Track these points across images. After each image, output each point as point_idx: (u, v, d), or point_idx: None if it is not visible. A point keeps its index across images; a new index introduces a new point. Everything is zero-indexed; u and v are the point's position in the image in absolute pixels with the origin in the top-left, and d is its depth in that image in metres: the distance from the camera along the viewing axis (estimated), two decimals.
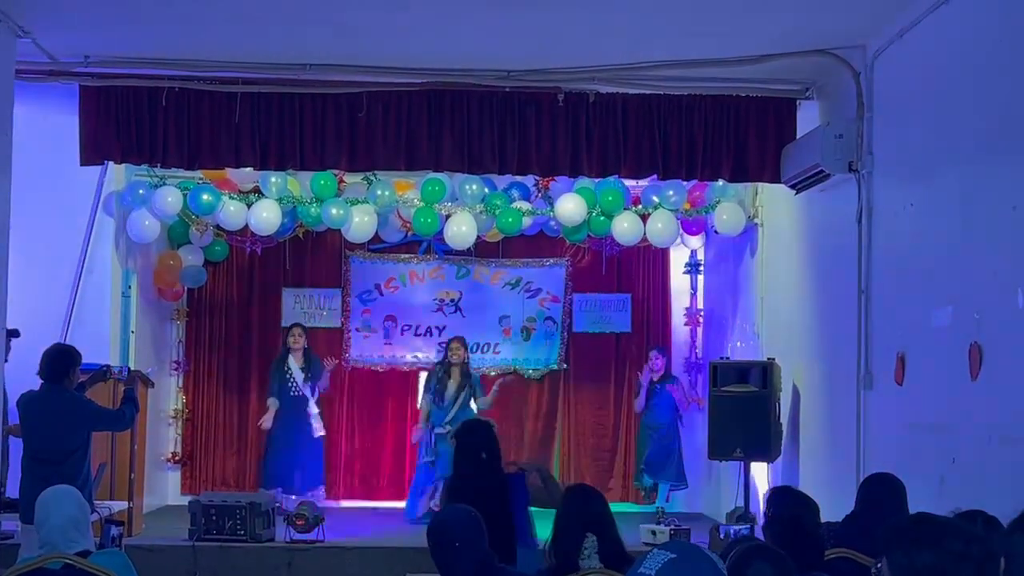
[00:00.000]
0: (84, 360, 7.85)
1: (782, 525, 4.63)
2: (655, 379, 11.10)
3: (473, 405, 10.67)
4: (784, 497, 5.02)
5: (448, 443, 10.44)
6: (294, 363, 10.90)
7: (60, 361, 7.35)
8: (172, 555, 8.93)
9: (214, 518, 9.02)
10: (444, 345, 11.19)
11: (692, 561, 2.52)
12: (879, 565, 2.82)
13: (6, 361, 8.15)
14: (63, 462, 7.09)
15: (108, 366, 8.33)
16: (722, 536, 8.51)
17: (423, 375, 11.43)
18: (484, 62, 8.69)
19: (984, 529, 3.99)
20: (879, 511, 5.44)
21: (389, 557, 9.04)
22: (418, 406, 11.27)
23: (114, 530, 7.63)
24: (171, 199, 10.41)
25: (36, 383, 7.45)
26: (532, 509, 6.79)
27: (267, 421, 10.87)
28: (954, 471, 6.32)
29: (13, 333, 8.29)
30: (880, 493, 5.61)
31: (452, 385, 10.71)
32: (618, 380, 12.21)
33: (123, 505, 8.91)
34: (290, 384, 10.86)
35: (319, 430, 11.00)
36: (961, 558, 2.67)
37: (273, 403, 10.86)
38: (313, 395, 10.95)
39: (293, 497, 10.57)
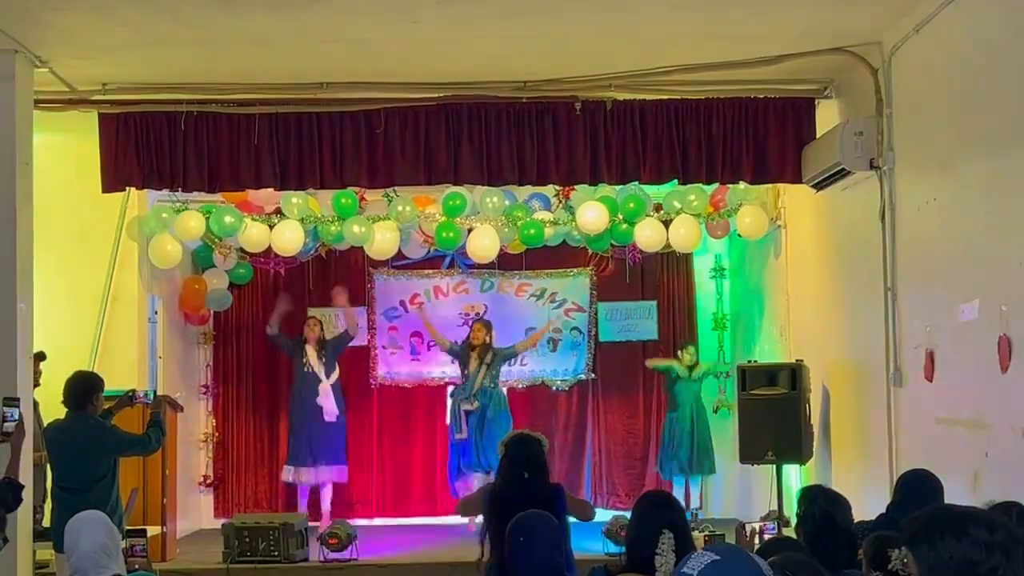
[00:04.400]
0: (113, 387, 7.87)
1: (814, 523, 4.59)
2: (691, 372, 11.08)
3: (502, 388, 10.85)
4: (815, 495, 4.96)
5: (474, 415, 10.56)
6: (310, 350, 10.89)
7: (81, 388, 7.37)
8: None
9: (247, 540, 9.03)
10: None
11: (735, 562, 2.49)
12: (904, 561, 2.76)
13: (37, 384, 8.19)
14: (90, 490, 7.08)
15: (134, 391, 8.32)
16: (747, 535, 8.43)
17: (451, 389, 11.42)
18: (500, 74, 8.70)
19: (1018, 521, 3.94)
20: (916, 507, 5.35)
21: (423, 574, 9.03)
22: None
23: (137, 548, 7.53)
24: (193, 223, 10.44)
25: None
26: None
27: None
28: (988, 465, 6.25)
29: (40, 356, 8.32)
30: (916, 488, 5.52)
31: (474, 360, 10.76)
32: (647, 388, 12.15)
33: (156, 530, 8.92)
34: (304, 362, 10.89)
35: (331, 414, 10.83)
36: (988, 546, 2.62)
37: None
38: (328, 376, 10.89)
39: (313, 471, 10.69)
